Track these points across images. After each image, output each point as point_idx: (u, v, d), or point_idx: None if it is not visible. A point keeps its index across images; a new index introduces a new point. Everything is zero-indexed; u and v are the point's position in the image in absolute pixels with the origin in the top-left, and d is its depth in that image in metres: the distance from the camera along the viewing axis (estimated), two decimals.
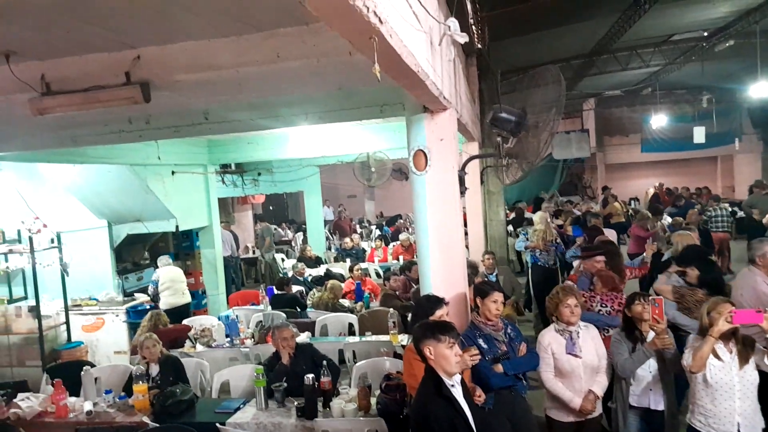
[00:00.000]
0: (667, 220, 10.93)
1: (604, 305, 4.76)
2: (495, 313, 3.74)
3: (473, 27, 6.18)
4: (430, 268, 4.03)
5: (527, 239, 8.37)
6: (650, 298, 3.85)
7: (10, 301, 7.86)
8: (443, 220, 3.95)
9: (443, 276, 3.99)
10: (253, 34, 3.31)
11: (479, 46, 8.37)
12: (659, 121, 18.44)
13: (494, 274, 7.10)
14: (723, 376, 3.27)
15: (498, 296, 3.74)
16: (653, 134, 19.10)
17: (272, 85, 3.93)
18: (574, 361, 3.84)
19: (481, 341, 3.69)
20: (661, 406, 3.79)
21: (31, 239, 7.18)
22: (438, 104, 3.63)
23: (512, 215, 13.49)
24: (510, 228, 11.57)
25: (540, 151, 4.70)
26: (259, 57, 3.34)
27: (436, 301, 3.56)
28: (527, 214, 12.92)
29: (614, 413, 4.00)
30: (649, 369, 3.80)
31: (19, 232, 7.83)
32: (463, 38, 2.82)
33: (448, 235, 3.98)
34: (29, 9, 2.69)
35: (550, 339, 3.93)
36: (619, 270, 5.63)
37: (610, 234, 8.56)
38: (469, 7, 5.62)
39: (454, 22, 2.80)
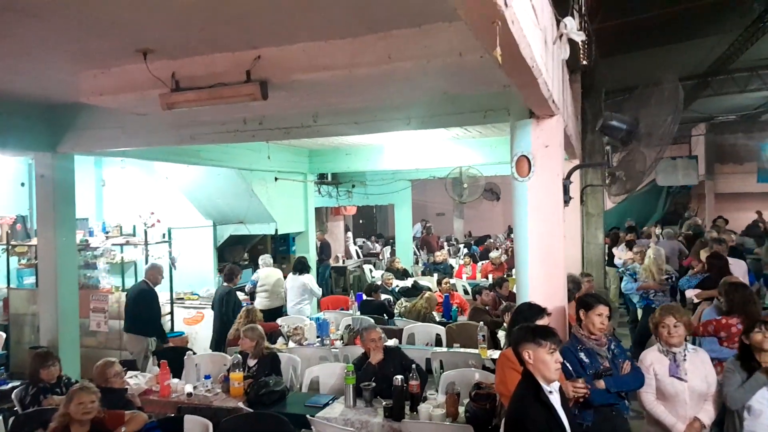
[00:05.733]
0: None
1: None
2: (599, 327, 3.59)
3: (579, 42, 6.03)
4: (529, 278, 3.93)
5: (635, 279, 7.32)
6: None
7: (123, 290, 8.50)
8: (545, 228, 3.86)
9: (543, 287, 3.88)
10: (367, 36, 3.44)
11: (585, 62, 8.17)
12: None
13: None
14: None
15: (603, 310, 3.59)
16: None
17: (381, 87, 4.05)
18: (679, 384, 3.60)
19: (582, 355, 3.55)
20: None
21: (146, 233, 7.78)
22: (546, 108, 3.58)
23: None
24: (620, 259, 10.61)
25: (650, 165, 4.50)
26: (372, 58, 3.46)
27: (539, 311, 3.47)
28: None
29: None
30: (767, 401, 3.49)
31: (134, 227, 8.48)
32: (579, 36, 2.78)
33: (549, 244, 3.88)
34: (173, 6, 2.95)
35: (653, 359, 3.71)
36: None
37: (739, 266, 6.75)
38: (577, 19, 5.52)
39: (570, 21, 2.77)
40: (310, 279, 8.54)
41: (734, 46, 9.47)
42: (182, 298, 8.60)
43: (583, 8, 4.76)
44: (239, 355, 5.20)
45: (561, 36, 3.09)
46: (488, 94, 4.37)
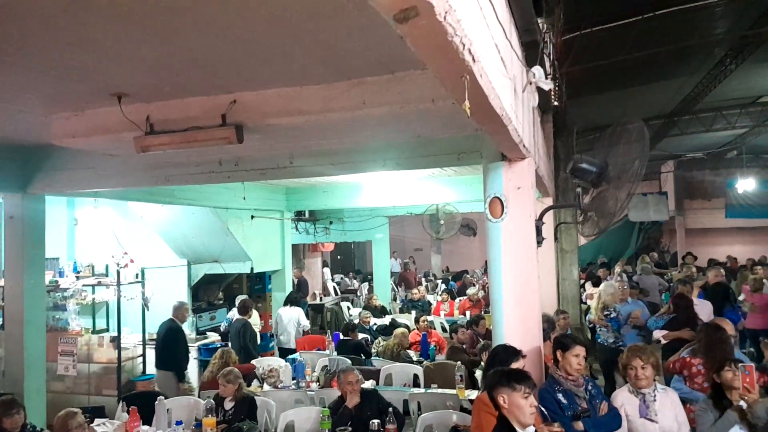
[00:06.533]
0: None
1: None
2: (576, 368, 3.61)
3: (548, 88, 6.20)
4: (504, 318, 3.94)
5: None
6: (740, 364, 3.60)
7: (94, 331, 8.27)
8: (518, 269, 3.90)
9: (518, 328, 3.89)
10: (342, 82, 3.50)
11: (556, 103, 8.39)
12: (746, 185, 17.56)
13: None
14: None
15: (580, 350, 3.62)
16: (739, 199, 18.15)
17: (356, 131, 4.10)
18: (650, 425, 3.63)
19: (560, 396, 3.55)
20: None
21: (118, 273, 7.62)
22: (517, 152, 3.65)
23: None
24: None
25: (620, 206, 4.59)
26: (346, 104, 3.51)
27: (514, 353, 3.48)
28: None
29: None
30: None
31: (107, 266, 8.32)
32: (547, 85, 2.87)
33: (524, 285, 3.91)
34: (148, 52, 2.97)
35: (624, 400, 3.74)
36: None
37: (705, 306, 6.73)
38: (547, 64, 5.69)
39: (539, 70, 2.87)
40: (300, 311, 9.30)
41: (699, 87, 9.84)
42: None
43: (552, 54, 4.91)
44: (212, 400, 5.07)
45: (531, 83, 3.19)
46: (461, 137, 4.46)
